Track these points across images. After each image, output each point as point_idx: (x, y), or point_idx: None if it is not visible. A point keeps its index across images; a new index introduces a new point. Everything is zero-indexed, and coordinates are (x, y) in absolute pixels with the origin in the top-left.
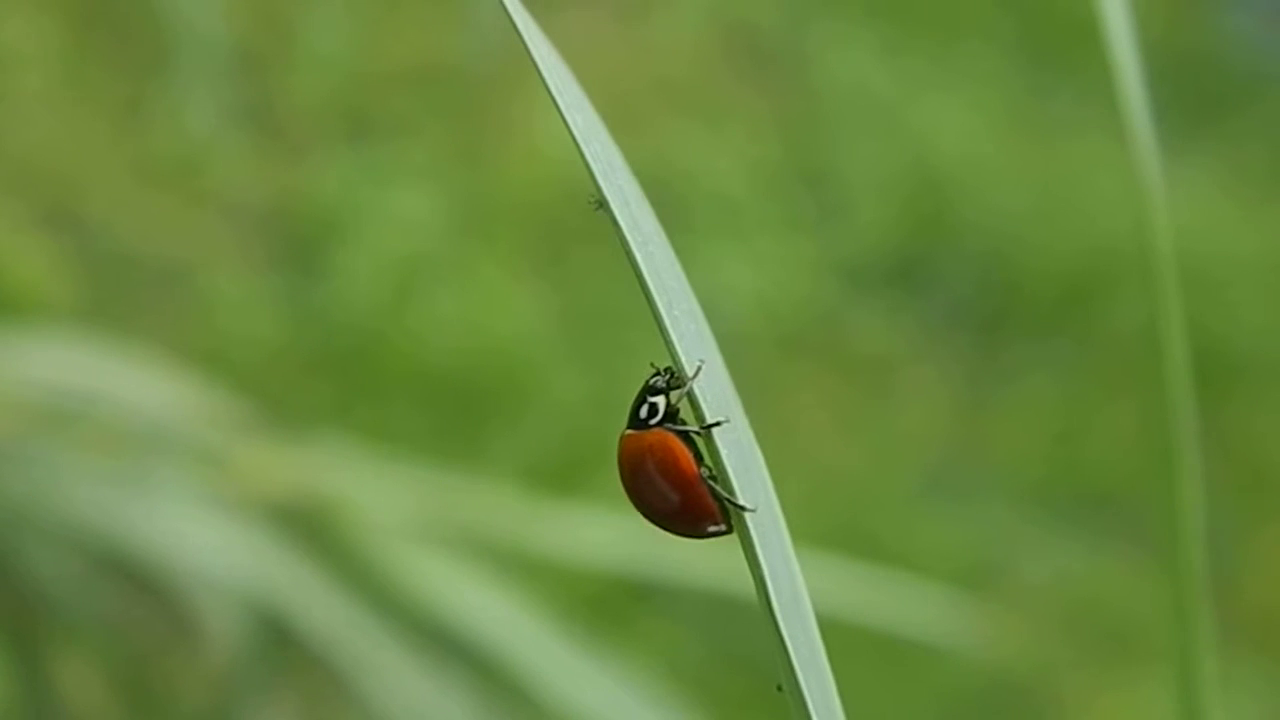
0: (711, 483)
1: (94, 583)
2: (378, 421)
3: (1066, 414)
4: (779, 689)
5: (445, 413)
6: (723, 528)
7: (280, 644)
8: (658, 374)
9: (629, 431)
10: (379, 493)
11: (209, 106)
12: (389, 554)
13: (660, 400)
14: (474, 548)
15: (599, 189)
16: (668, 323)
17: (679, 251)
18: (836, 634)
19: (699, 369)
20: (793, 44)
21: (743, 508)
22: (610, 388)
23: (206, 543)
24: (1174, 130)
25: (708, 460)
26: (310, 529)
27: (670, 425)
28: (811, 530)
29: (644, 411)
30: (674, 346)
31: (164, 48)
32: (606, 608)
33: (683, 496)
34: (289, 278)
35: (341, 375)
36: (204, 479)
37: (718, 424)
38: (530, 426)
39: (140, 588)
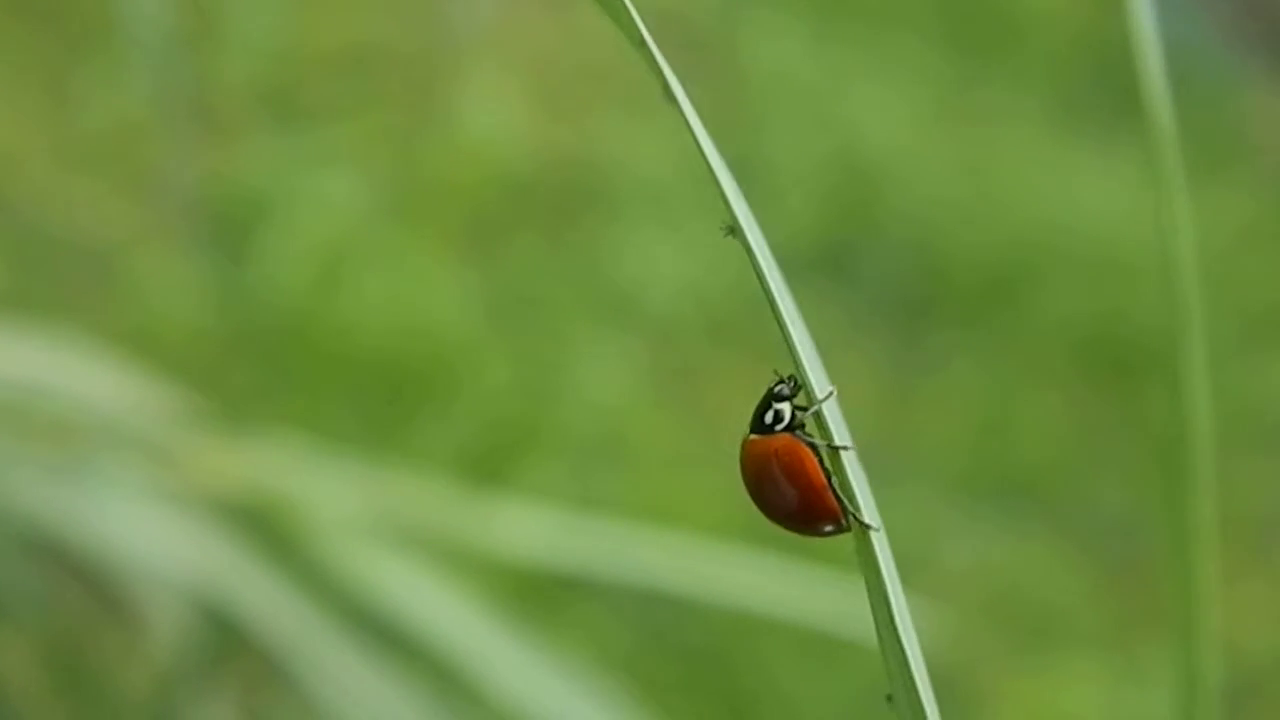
0: (837, 492)
1: (29, 568)
2: (306, 405)
3: (992, 403)
4: (889, 699)
5: (374, 397)
6: (842, 524)
7: (220, 633)
8: (781, 381)
9: (753, 436)
10: (312, 482)
11: (136, 88)
12: (323, 542)
13: (785, 407)
14: (405, 536)
15: (733, 215)
16: (797, 343)
17: (608, 240)
18: (757, 629)
19: (831, 393)
20: (722, 32)
21: (868, 526)
22: (539, 375)
23: (145, 532)
24: (1100, 119)
25: (830, 470)
26: (247, 518)
27: (797, 434)
28: (734, 519)
29: (769, 417)
30: (802, 366)
31: (91, 28)
32: (536, 594)
33: (806, 498)
34: (216, 261)
35: (269, 359)
36: (141, 469)
37: (845, 447)
38: (459, 412)
39: (77, 575)
